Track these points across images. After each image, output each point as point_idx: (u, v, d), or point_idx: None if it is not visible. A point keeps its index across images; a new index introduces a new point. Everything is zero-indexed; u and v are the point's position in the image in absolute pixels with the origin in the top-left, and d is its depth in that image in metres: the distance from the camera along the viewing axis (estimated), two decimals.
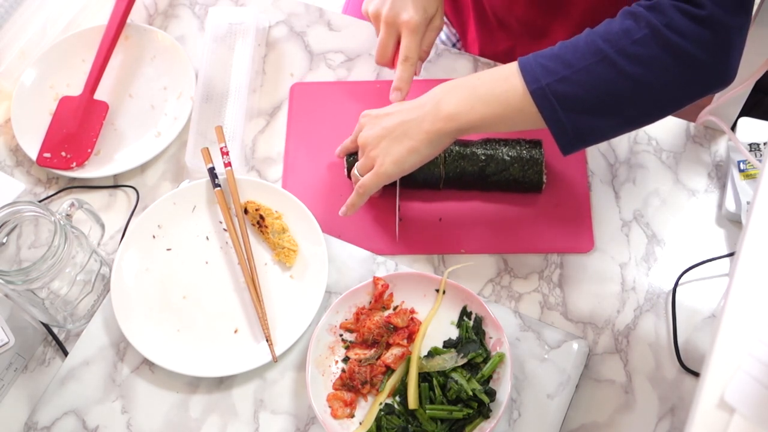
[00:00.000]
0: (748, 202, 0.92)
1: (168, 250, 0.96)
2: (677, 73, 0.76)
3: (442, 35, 1.23)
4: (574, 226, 0.95)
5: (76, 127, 1.04)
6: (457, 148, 0.95)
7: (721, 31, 0.75)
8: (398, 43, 0.96)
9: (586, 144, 0.81)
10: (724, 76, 0.78)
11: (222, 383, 0.90)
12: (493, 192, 0.97)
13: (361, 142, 0.90)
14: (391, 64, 0.98)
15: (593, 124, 0.79)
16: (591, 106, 0.77)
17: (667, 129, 1.01)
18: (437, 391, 0.84)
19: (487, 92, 0.81)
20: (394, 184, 0.95)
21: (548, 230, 0.95)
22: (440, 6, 0.97)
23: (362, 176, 0.90)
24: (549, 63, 0.77)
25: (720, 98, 0.95)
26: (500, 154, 0.94)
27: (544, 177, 0.95)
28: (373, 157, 0.88)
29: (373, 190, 0.89)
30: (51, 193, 1.02)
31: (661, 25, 0.74)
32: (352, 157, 0.96)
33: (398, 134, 0.86)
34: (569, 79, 0.76)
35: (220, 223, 0.97)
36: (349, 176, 0.98)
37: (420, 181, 0.95)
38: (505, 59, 0.91)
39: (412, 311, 0.90)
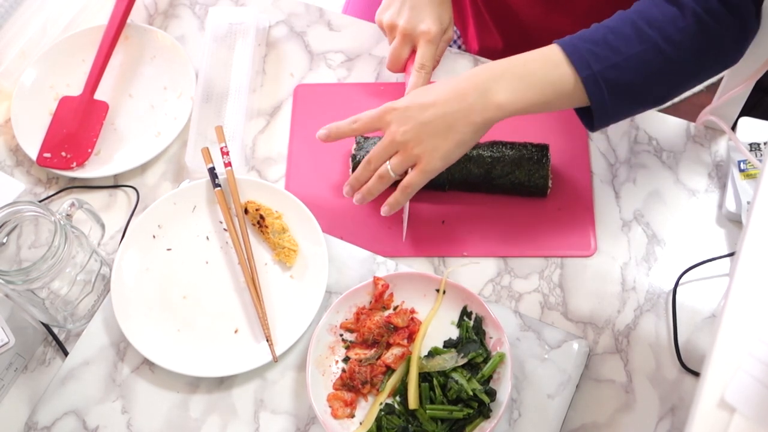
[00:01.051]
0: (748, 202, 0.92)
1: (168, 250, 0.96)
2: (708, 57, 0.81)
3: None
4: (577, 231, 0.95)
5: (76, 127, 1.04)
6: None
7: (745, 18, 0.79)
8: (412, 51, 0.97)
9: (615, 122, 0.85)
10: (737, 59, 0.84)
11: (222, 383, 0.90)
12: (497, 195, 0.96)
13: (400, 139, 0.86)
14: (403, 71, 0.99)
15: (633, 107, 0.83)
16: (636, 92, 0.81)
17: (668, 129, 1.01)
18: (437, 391, 0.84)
19: (539, 80, 0.81)
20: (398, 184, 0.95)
21: (551, 235, 0.95)
22: (452, 18, 0.99)
23: (396, 172, 0.88)
24: (597, 49, 0.79)
25: (720, 98, 0.95)
26: (507, 157, 0.94)
27: (550, 182, 0.95)
28: (418, 155, 0.85)
29: (419, 187, 0.88)
30: (51, 193, 1.02)
31: (703, 12, 0.78)
32: (358, 157, 0.96)
33: (442, 128, 0.83)
34: (620, 66, 0.79)
35: (220, 223, 0.97)
36: None
37: (426, 184, 0.95)
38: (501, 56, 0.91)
39: (413, 311, 0.90)
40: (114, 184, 1.03)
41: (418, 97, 0.87)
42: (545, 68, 0.81)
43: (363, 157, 0.96)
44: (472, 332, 0.87)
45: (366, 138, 0.98)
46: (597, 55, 0.79)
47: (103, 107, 1.06)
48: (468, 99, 0.83)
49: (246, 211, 0.96)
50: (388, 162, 0.87)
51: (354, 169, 0.96)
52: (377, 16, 1.00)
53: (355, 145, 0.97)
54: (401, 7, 0.96)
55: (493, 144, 0.95)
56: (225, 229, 0.96)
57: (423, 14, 0.95)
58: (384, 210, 0.90)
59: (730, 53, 0.82)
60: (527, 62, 0.83)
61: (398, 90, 1.06)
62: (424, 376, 0.85)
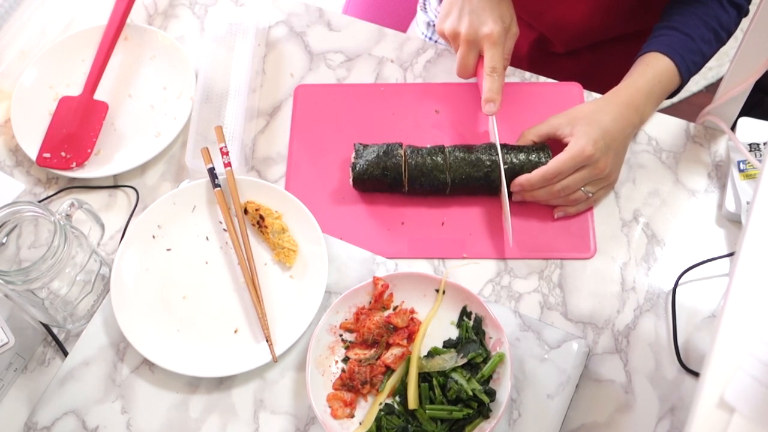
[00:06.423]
0: (748, 202, 0.92)
1: (168, 250, 0.96)
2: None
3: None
4: (577, 233, 0.95)
5: (76, 127, 1.04)
6: (461, 154, 0.94)
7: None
8: (479, 56, 0.97)
9: None
10: None
11: (222, 383, 0.90)
12: (496, 197, 0.96)
13: (589, 154, 0.89)
14: (474, 76, 0.99)
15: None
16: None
17: (667, 129, 1.01)
18: (437, 391, 0.84)
19: (666, 92, 0.97)
20: (402, 190, 0.95)
21: (551, 236, 0.95)
22: (514, 14, 0.98)
23: (590, 193, 0.93)
24: (694, 57, 0.97)
25: (720, 98, 0.95)
26: (507, 161, 0.93)
27: None
28: (603, 170, 0.91)
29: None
30: (51, 193, 1.02)
31: (746, 5, 1.01)
32: (357, 166, 0.96)
33: (621, 146, 0.94)
34: (702, 64, 1.01)
35: (220, 223, 0.97)
36: (354, 186, 0.97)
37: (427, 189, 0.95)
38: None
39: (412, 311, 0.90)
40: (114, 184, 1.03)
41: (593, 109, 0.93)
42: (670, 84, 0.97)
43: (362, 166, 0.95)
44: (472, 332, 0.87)
45: (365, 146, 0.97)
46: (695, 63, 0.98)
47: (103, 107, 1.06)
48: (627, 117, 0.93)
49: (246, 212, 0.96)
50: (583, 188, 0.93)
51: (354, 178, 0.96)
52: (438, 26, 0.99)
53: (354, 153, 0.97)
54: (461, 13, 0.96)
55: (491, 147, 0.95)
56: (225, 230, 0.96)
57: (483, 17, 0.94)
58: (557, 214, 0.95)
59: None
60: (660, 81, 0.96)
61: (398, 90, 1.06)
62: (424, 376, 0.85)
